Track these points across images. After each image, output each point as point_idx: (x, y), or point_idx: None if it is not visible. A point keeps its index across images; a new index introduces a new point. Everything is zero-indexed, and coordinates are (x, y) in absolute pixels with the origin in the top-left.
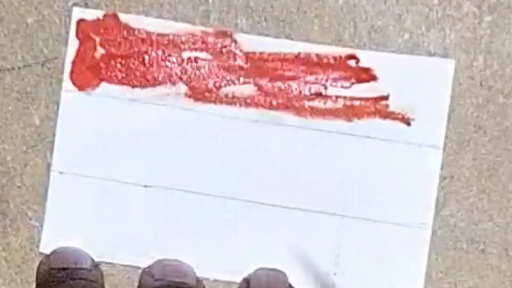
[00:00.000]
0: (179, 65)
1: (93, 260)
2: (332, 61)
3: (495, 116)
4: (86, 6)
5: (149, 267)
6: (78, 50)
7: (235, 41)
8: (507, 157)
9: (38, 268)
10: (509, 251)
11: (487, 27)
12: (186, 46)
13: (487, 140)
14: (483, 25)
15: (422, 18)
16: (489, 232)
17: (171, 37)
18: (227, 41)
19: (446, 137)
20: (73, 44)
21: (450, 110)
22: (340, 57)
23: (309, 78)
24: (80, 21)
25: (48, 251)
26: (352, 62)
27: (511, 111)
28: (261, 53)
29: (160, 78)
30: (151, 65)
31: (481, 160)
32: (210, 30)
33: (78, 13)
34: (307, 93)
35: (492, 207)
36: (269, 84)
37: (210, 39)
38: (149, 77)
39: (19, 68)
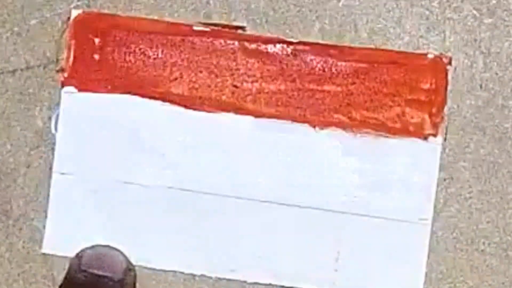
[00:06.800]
0: (180, 65)
1: (127, 264)
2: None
3: (495, 117)
4: (88, 8)
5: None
6: (78, 52)
7: (235, 42)
8: (507, 158)
9: (71, 264)
10: (508, 252)
11: (487, 30)
12: (186, 46)
13: (486, 141)
14: (482, 27)
15: (422, 21)
16: (489, 233)
17: (171, 37)
18: (227, 42)
19: (446, 138)
20: (73, 45)
21: (450, 111)
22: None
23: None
24: (79, 23)
25: (50, 251)
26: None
27: (510, 112)
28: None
29: (160, 78)
30: (151, 66)
31: (481, 161)
32: (209, 30)
33: (77, 15)
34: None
35: (492, 208)
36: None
37: (210, 40)
38: (149, 77)
39: (21, 70)
